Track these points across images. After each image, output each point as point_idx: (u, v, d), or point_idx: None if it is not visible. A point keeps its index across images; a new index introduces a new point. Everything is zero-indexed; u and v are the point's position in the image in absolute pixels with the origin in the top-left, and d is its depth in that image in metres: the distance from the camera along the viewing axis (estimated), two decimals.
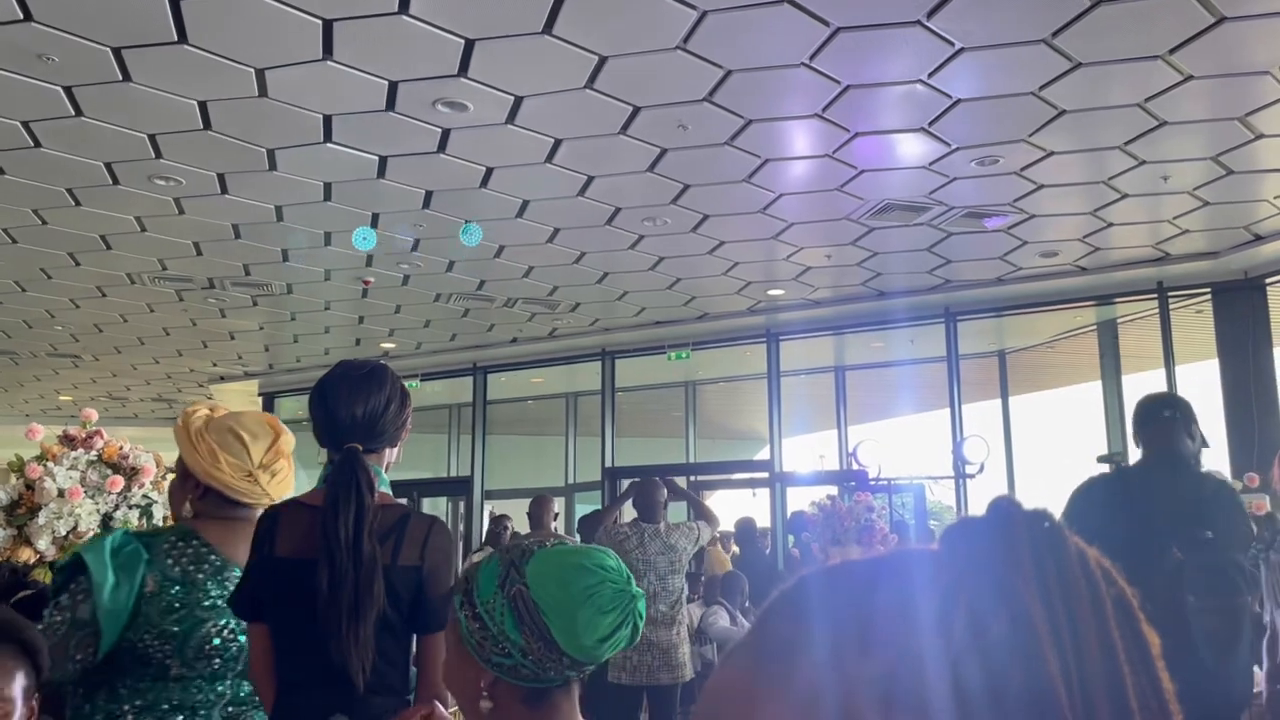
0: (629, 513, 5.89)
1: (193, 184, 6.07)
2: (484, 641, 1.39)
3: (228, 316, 9.38)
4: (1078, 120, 5.27)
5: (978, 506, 7.35)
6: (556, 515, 7.35)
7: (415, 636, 2.13)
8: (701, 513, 5.92)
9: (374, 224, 6.85)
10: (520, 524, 7.62)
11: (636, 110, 5.13)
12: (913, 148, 5.63)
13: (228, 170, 5.90)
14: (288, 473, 2.38)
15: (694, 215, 6.75)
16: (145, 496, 3.32)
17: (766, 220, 6.85)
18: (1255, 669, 3.54)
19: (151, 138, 5.41)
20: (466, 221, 6.67)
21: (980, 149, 5.65)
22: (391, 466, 2.30)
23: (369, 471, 2.10)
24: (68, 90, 4.85)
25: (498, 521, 7.73)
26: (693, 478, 10.55)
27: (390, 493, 2.22)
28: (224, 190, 6.19)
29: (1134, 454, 3.53)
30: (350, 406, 2.15)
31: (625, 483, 5.75)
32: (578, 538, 7.13)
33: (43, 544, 3.13)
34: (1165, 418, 3.35)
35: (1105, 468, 6.20)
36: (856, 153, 5.71)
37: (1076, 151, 5.72)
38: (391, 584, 2.05)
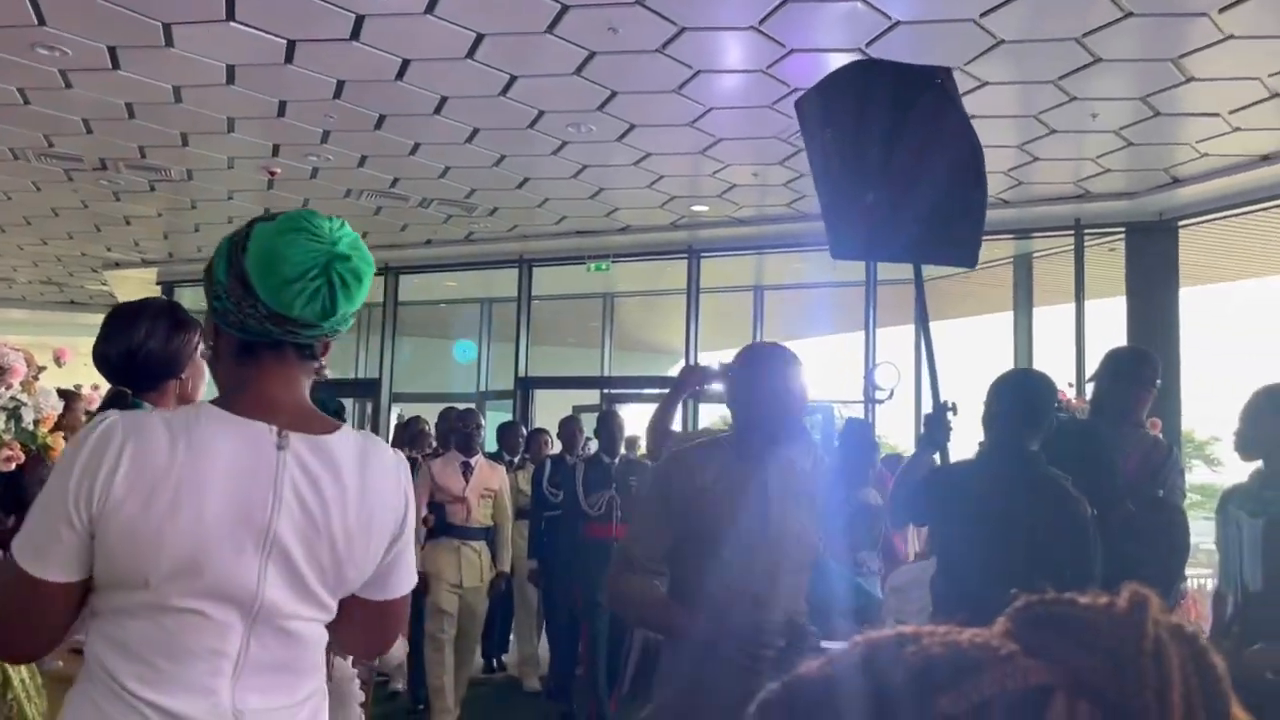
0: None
1: (80, 56, 5.60)
2: (207, 286, 1.49)
3: (123, 200, 8.86)
4: (1014, 51, 5.18)
5: (888, 431, 7.40)
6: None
7: None
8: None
9: (281, 112, 6.46)
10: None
11: (565, 8, 4.86)
12: None
13: (119, 44, 5.45)
14: None
15: (620, 124, 6.52)
16: (14, 399, 3.07)
17: (694, 134, 6.66)
18: None
19: (33, 2, 4.95)
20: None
21: None
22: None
23: None
24: None
25: (409, 424, 7.28)
26: (606, 390, 10.49)
27: None
28: (115, 65, 5.73)
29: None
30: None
31: (679, 367, 4.21)
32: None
33: None
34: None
35: None
36: (790, 70, 5.54)
37: (1010, 84, 5.65)
38: None
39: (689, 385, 3.98)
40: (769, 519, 2.40)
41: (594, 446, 6.06)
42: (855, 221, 2.99)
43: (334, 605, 1.48)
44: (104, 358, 2.23)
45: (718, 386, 4.26)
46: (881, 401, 8.52)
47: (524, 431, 7.56)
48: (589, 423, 6.29)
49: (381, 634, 1.63)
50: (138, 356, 2.19)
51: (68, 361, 3.40)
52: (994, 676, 0.40)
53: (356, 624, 1.56)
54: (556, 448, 6.70)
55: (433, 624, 5.37)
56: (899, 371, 8.54)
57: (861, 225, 2.96)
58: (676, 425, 4.21)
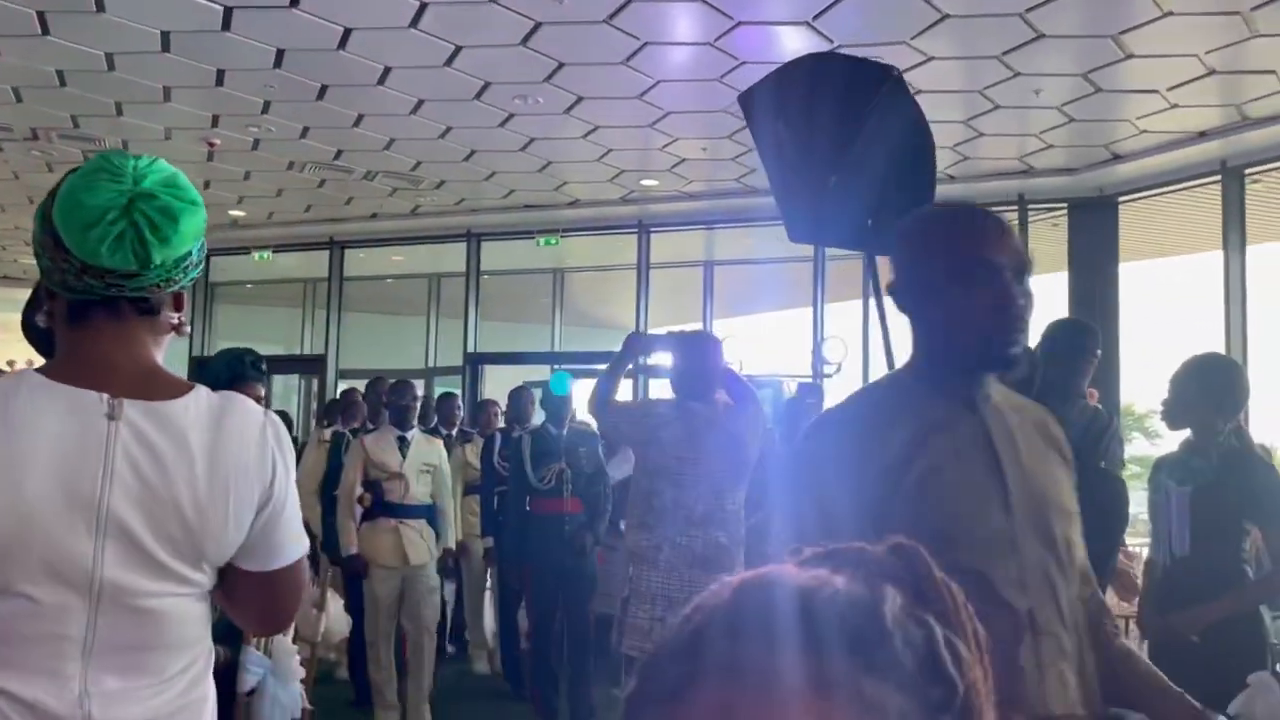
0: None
1: (9, 21, 5.40)
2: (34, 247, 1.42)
3: (55, 172, 8.58)
4: (960, 26, 5.21)
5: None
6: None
7: None
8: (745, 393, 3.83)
9: (219, 81, 6.30)
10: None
11: None
12: (795, 41, 5.47)
13: (48, 8, 5.27)
14: None
15: (568, 96, 6.46)
16: None
17: (643, 107, 6.62)
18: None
19: None
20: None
21: (863, 48, 5.52)
22: None
23: None
24: None
25: (342, 397, 7.06)
26: (556, 366, 10.45)
27: None
28: (45, 30, 5.55)
29: None
30: None
31: (624, 341, 4.03)
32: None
33: None
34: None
35: None
36: (738, 42, 5.53)
37: (955, 58, 5.69)
38: None
39: (633, 355, 3.99)
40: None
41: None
42: (810, 207, 3.02)
43: (201, 578, 1.39)
44: (30, 325, 2.17)
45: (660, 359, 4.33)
46: (829, 375, 8.60)
47: (460, 404, 7.31)
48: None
49: (273, 607, 1.53)
50: None
51: None
52: (898, 606, 0.47)
53: (243, 598, 1.48)
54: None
55: (369, 613, 5.03)
56: (846, 346, 8.63)
57: (816, 211, 2.99)
58: (625, 395, 4.28)
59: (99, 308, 1.37)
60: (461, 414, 7.23)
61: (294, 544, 1.48)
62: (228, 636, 2.77)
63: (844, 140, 2.83)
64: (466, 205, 9.49)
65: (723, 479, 3.54)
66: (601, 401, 3.80)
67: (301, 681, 3.08)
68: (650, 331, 3.60)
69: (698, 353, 3.70)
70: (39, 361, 2.35)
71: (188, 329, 1.50)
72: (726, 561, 3.48)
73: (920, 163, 2.94)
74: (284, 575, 1.47)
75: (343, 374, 10.84)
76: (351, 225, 10.24)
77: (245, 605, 1.50)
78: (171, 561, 1.35)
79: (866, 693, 0.43)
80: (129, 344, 1.39)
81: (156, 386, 1.39)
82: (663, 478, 3.54)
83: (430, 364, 11.16)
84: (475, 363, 10.37)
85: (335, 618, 3.93)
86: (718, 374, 3.69)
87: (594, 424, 4.95)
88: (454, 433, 6.78)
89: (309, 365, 11.15)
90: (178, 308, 1.46)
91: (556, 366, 10.41)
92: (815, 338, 8.85)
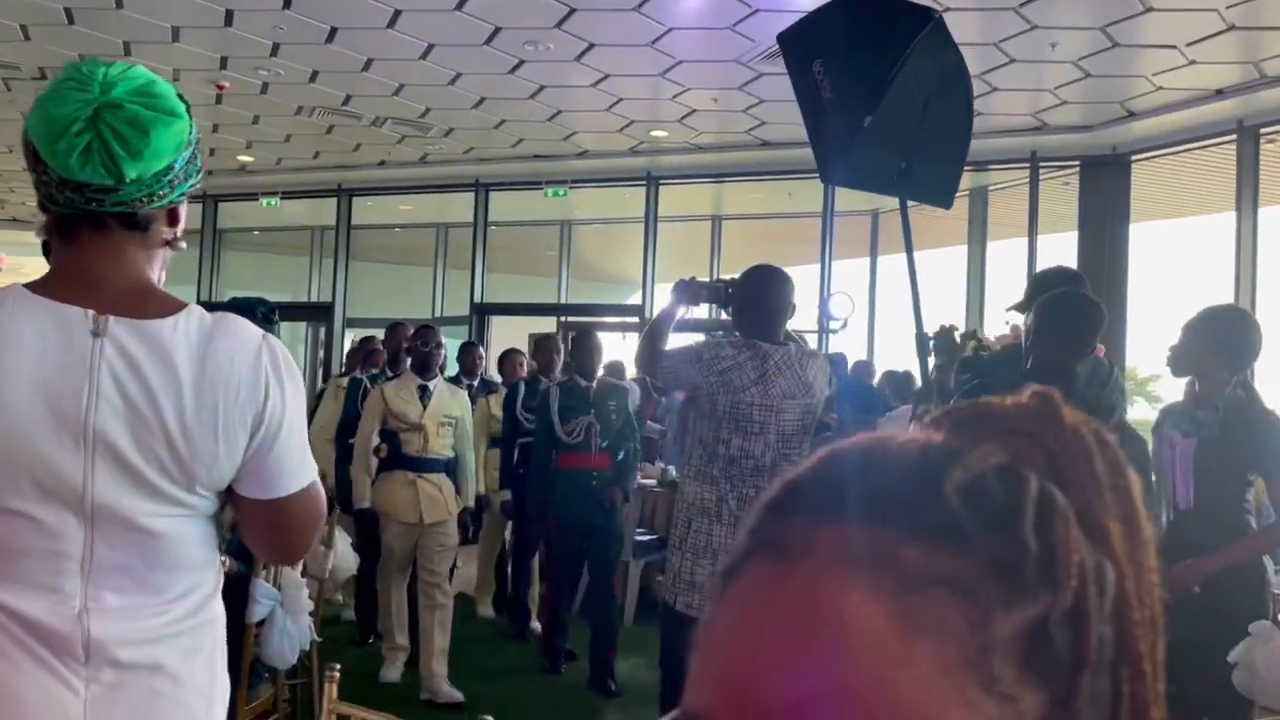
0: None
1: None
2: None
3: None
4: None
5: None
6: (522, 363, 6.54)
7: None
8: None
9: (229, 21, 6.24)
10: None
11: None
12: None
13: None
14: None
15: (579, 43, 6.40)
16: None
17: (654, 55, 6.56)
18: None
19: None
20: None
21: None
22: None
23: None
24: None
25: (362, 344, 6.78)
26: (562, 318, 10.45)
27: None
28: None
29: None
30: None
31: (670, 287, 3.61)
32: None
33: None
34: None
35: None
36: None
37: (972, 9, 5.61)
38: None
39: (684, 303, 3.57)
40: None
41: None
42: (844, 149, 2.98)
43: (198, 501, 1.36)
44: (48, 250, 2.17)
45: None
46: (835, 331, 8.60)
47: (482, 354, 7.07)
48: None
49: (282, 537, 1.49)
50: None
51: (4, 266, 3.32)
52: (977, 456, 0.41)
53: (248, 524, 1.46)
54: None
55: (383, 564, 4.88)
56: (853, 302, 8.62)
57: (850, 153, 2.96)
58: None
59: (84, 222, 1.34)
60: (483, 364, 6.98)
61: (295, 474, 1.42)
62: (239, 557, 2.81)
63: (881, 81, 2.77)
64: (475, 154, 9.44)
65: (792, 427, 3.27)
66: (651, 358, 3.47)
67: (310, 615, 3.12)
68: (700, 277, 3.22)
69: (767, 287, 3.37)
70: None
71: (183, 245, 1.45)
72: None
73: (958, 108, 2.91)
74: (289, 505, 1.43)
75: (350, 323, 10.86)
76: (360, 173, 10.20)
77: (252, 532, 1.48)
78: (162, 483, 1.32)
79: (907, 561, 0.38)
80: (117, 260, 1.36)
81: (146, 304, 1.34)
82: (729, 425, 3.22)
83: (436, 314, 11.18)
84: (482, 313, 10.38)
85: (342, 555, 3.97)
86: (788, 311, 3.38)
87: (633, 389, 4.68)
88: (476, 383, 6.54)
89: (316, 313, 11.17)
90: (172, 223, 1.41)
91: (563, 318, 10.43)
92: (822, 293, 8.83)
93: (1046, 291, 3.18)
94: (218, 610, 1.44)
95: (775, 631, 0.39)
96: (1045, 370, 2.81)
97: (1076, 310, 2.97)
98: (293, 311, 11.63)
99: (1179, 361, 3.05)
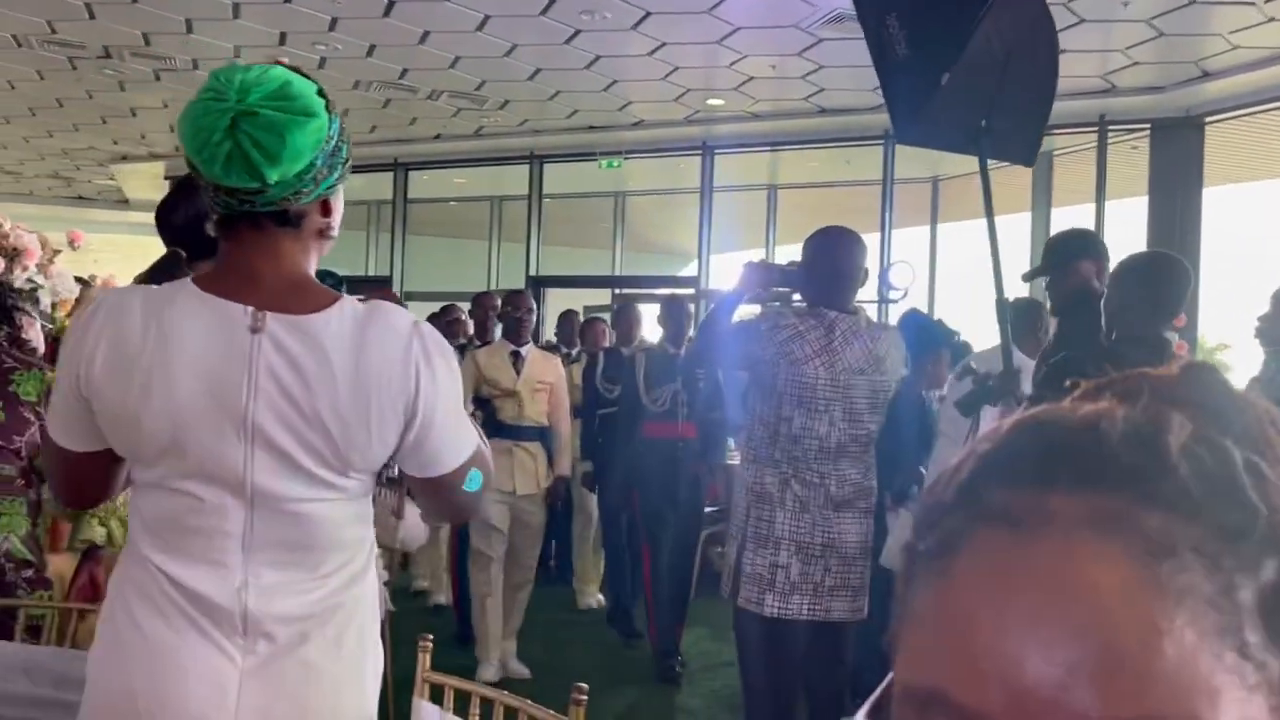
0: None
1: None
2: None
3: (128, 91, 8.70)
4: None
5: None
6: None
7: None
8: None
9: None
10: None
11: None
12: None
13: None
14: None
15: (635, 11, 6.33)
16: (30, 280, 3.06)
17: (711, 22, 6.47)
18: None
19: None
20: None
21: None
22: None
23: None
24: None
25: (443, 313, 6.65)
26: (617, 290, 10.44)
27: None
28: None
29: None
30: None
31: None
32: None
33: None
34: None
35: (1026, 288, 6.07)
36: None
37: None
38: None
39: (751, 289, 3.20)
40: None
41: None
42: (920, 107, 2.90)
43: (351, 484, 1.42)
44: (165, 224, 2.22)
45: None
46: (895, 301, 8.44)
47: (579, 322, 6.95)
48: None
49: (448, 506, 1.62)
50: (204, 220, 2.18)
51: (81, 244, 3.38)
52: (1178, 424, 0.41)
53: (420, 491, 1.60)
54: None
55: (478, 539, 4.64)
56: (914, 271, 8.47)
57: (927, 111, 2.87)
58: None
59: (242, 220, 1.40)
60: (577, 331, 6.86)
61: (452, 453, 1.48)
62: None
63: (960, 36, 2.69)
64: (529, 126, 9.42)
65: (861, 404, 2.98)
66: (709, 349, 3.28)
67: (385, 585, 3.15)
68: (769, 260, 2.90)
69: (836, 247, 3.08)
70: (119, 278, 2.42)
71: (334, 235, 1.50)
72: (863, 501, 3.03)
73: (1041, 61, 2.80)
74: (451, 479, 1.50)
75: (408, 296, 10.96)
76: (416, 146, 10.23)
77: (425, 501, 1.64)
78: (318, 469, 1.39)
79: (1150, 528, 0.38)
80: (273, 256, 1.42)
81: (301, 299, 1.41)
82: (791, 401, 2.94)
83: (492, 287, 11.23)
84: (537, 286, 10.40)
85: (411, 525, 4.00)
86: (860, 276, 3.08)
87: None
88: (574, 352, 6.40)
89: (375, 287, 11.27)
90: (325, 214, 1.47)
91: (618, 290, 10.41)
92: (882, 262, 8.70)
93: (1063, 256, 3.10)
94: (370, 584, 1.51)
95: (1025, 602, 0.38)
96: (1136, 341, 2.65)
97: (1167, 274, 2.83)
98: (352, 286, 11.73)
99: (1269, 332, 2.95)
